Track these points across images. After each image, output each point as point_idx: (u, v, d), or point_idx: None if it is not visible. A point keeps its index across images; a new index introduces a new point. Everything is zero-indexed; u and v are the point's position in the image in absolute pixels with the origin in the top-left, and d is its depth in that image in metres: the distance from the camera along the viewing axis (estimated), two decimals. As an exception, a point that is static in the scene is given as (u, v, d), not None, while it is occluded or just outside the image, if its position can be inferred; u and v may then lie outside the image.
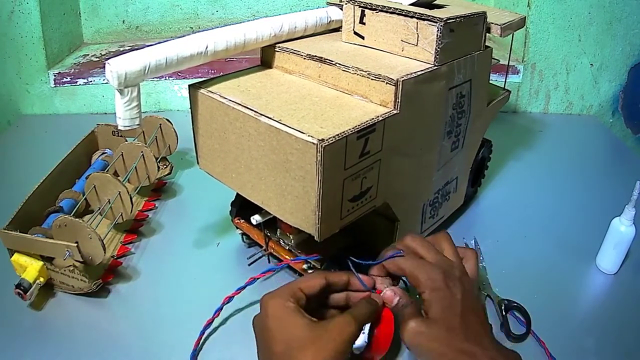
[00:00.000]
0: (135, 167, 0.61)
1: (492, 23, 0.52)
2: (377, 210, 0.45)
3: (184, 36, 0.43)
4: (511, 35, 0.55)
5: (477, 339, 0.37)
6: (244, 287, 0.47)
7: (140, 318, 0.49)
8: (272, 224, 0.51)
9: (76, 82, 0.92)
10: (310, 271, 0.48)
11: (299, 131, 0.37)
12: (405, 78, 0.41)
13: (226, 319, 0.48)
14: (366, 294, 0.41)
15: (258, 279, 0.47)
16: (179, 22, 1.04)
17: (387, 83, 0.41)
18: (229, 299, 0.47)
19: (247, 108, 0.40)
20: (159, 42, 0.42)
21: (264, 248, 0.52)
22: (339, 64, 0.44)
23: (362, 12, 0.48)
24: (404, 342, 0.38)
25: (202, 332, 0.46)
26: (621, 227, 0.52)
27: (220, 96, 0.43)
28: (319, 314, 0.41)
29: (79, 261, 0.48)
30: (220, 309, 0.47)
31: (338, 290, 0.42)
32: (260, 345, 0.38)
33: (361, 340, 0.40)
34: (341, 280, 0.41)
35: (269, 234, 0.52)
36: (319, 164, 0.36)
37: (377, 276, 0.42)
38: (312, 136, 0.36)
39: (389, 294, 0.40)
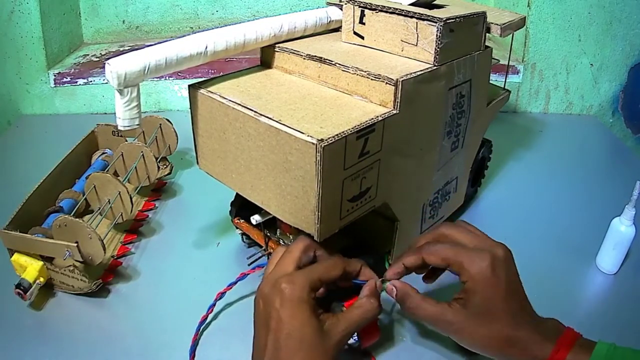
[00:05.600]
0: (135, 167, 0.62)
1: (492, 23, 0.52)
2: (377, 210, 0.45)
3: (184, 36, 0.43)
4: (511, 35, 0.55)
5: (520, 322, 0.38)
6: (235, 283, 0.47)
7: (140, 318, 0.49)
8: (271, 224, 0.51)
9: (76, 82, 0.92)
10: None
11: (298, 131, 0.37)
12: (404, 78, 0.41)
13: (220, 314, 0.49)
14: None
15: (249, 274, 0.48)
16: (179, 22, 1.04)
17: (386, 83, 0.41)
18: (221, 294, 0.48)
19: (247, 108, 0.41)
20: (159, 42, 0.42)
21: (263, 248, 0.52)
22: (339, 64, 0.44)
23: (362, 12, 0.48)
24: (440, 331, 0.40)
25: (198, 329, 0.46)
26: (621, 227, 0.52)
27: (220, 96, 0.43)
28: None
29: (79, 261, 0.48)
30: (214, 305, 0.47)
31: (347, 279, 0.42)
32: (260, 319, 0.37)
33: (351, 340, 0.41)
34: (355, 271, 0.41)
35: (268, 234, 0.52)
36: (319, 164, 0.36)
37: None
38: (311, 136, 0.36)
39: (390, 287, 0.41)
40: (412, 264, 0.42)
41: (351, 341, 0.42)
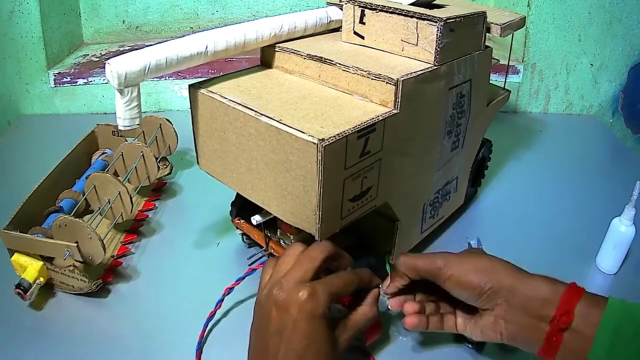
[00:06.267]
0: (135, 167, 0.61)
1: (492, 23, 0.52)
2: (378, 210, 0.45)
3: (184, 36, 0.43)
4: (511, 35, 0.55)
5: (511, 268, 0.40)
6: (243, 278, 0.47)
7: (140, 318, 0.49)
8: (272, 224, 0.51)
9: (76, 82, 0.92)
10: None
11: (299, 131, 0.37)
12: (405, 78, 0.41)
13: (227, 312, 0.49)
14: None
15: (257, 269, 0.47)
16: (179, 22, 1.04)
17: (387, 83, 0.41)
18: (229, 289, 0.47)
19: (247, 108, 0.40)
20: (159, 42, 0.42)
21: (264, 248, 0.52)
22: (339, 63, 0.44)
23: (362, 12, 0.48)
24: None
25: (206, 325, 0.46)
26: (621, 227, 0.52)
27: (221, 96, 0.43)
28: None
29: (79, 261, 0.48)
30: (222, 300, 0.47)
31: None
32: (271, 325, 0.35)
33: None
34: (365, 283, 0.41)
35: (269, 234, 0.52)
36: (320, 164, 0.36)
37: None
38: (312, 136, 0.36)
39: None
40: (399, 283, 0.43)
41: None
